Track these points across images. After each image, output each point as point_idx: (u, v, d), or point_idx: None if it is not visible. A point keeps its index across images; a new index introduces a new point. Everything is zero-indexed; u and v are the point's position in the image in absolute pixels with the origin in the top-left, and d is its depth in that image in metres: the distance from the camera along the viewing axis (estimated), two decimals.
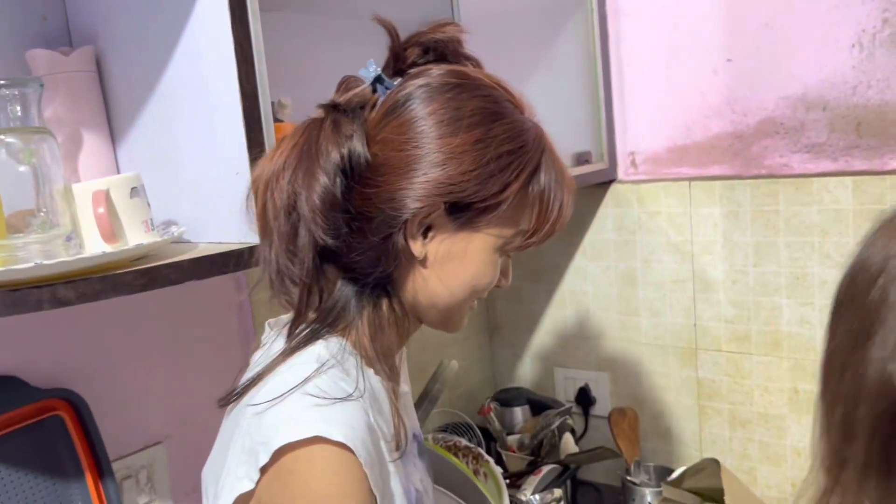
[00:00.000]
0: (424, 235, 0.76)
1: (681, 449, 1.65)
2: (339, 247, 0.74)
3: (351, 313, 0.77)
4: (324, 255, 0.75)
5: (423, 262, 0.77)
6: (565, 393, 1.78)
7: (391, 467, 0.76)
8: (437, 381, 1.45)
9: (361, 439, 0.69)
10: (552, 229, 0.80)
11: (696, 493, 1.46)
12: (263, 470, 0.68)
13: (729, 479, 1.39)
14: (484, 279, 0.79)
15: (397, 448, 0.75)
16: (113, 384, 1.10)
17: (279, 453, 0.67)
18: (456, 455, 1.33)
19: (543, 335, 1.81)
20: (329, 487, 0.67)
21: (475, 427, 1.61)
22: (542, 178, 0.77)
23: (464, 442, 1.39)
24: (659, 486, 1.49)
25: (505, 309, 1.86)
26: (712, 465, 1.42)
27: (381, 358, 0.77)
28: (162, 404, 1.16)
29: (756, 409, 1.54)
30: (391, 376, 0.80)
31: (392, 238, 0.74)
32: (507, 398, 1.72)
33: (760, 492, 1.55)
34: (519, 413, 1.69)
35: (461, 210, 0.75)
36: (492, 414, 1.60)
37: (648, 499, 1.50)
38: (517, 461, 1.52)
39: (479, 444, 1.56)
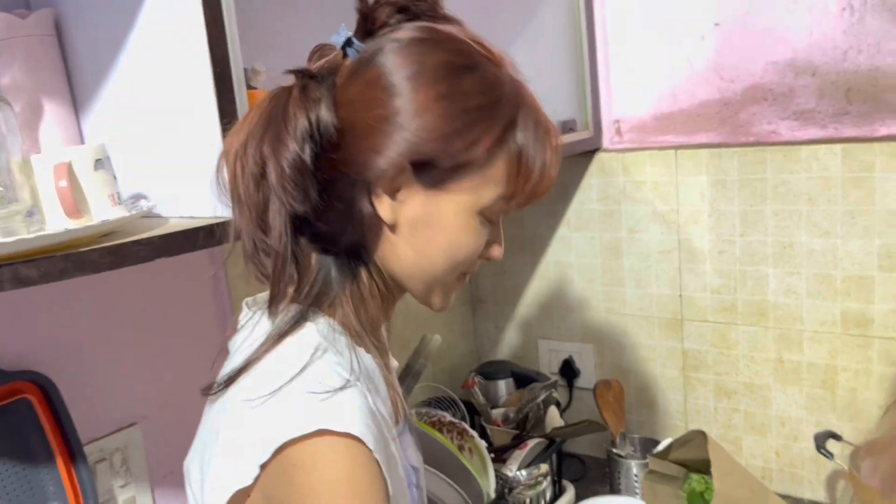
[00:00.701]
0: (393, 199, 0.72)
1: (666, 420, 1.64)
2: (309, 215, 0.70)
3: (333, 289, 0.74)
4: (296, 224, 0.71)
5: (393, 228, 0.73)
6: (549, 365, 1.76)
7: (391, 449, 0.73)
8: (420, 355, 1.42)
9: (367, 426, 0.65)
10: (534, 193, 0.74)
11: (682, 464, 1.46)
12: (264, 466, 0.64)
13: (715, 449, 1.38)
14: (462, 247, 0.74)
15: (396, 422, 0.72)
16: (83, 365, 1.06)
17: (281, 449, 0.63)
18: (440, 431, 1.31)
19: (527, 307, 1.79)
20: (340, 477, 0.64)
21: (459, 401, 1.59)
22: (519, 135, 0.72)
23: (448, 417, 1.36)
24: (644, 457, 1.48)
25: (488, 281, 1.83)
26: (699, 437, 1.41)
27: (368, 333, 0.74)
28: (136, 385, 1.12)
29: (741, 379, 1.53)
30: (381, 351, 0.77)
31: (359, 203, 0.71)
32: (490, 371, 1.70)
33: (745, 461, 1.55)
34: (503, 386, 1.67)
35: (429, 170, 0.71)
36: (476, 388, 1.58)
37: (634, 471, 1.49)
38: (502, 435, 1.50)
39: (464, 419, 1.54)
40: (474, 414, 1.61)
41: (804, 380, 1.46)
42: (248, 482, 0.65)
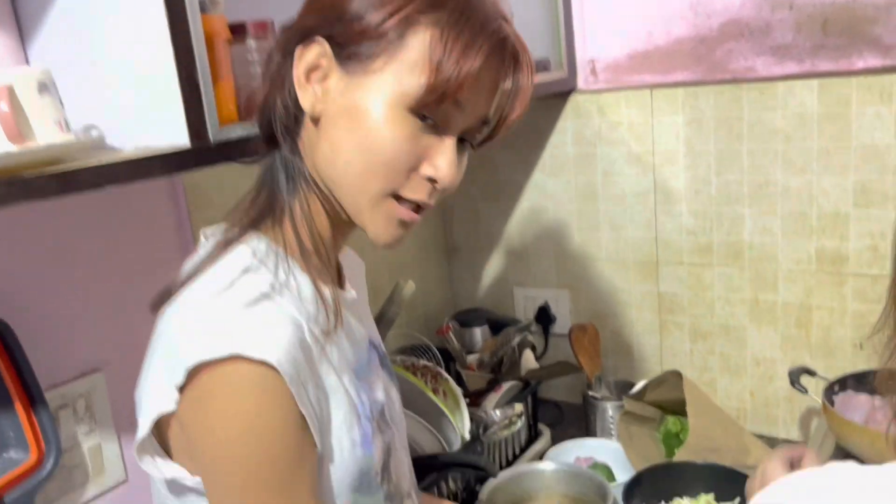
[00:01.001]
0: (314, 86, 0.70)
1: (642, 364, 1.63)
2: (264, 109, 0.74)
3: (275, 209, 0.73)
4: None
5: (316, 121, 0.71)
6: (525, 312, 1.75)
7: (332, 381, 0.71)
8: (393, 302, 1.40)
9: (288, 355, 0.64)
10: (454, 86, 0.66)
11: (657, 405, 1.46)
12: (181, 390, 0.64)
13: (690, 389, 1.38)
14: (381, 142, 0.67)
15: (327, 333, 0.71)
16: (41, 309, 1.02)
17: (195, 372, 0.62)
18: (414, 374, 1.29)
19: (502, 255, 1.77)
20: (247, 408, 0.63)
21: (433, 348, 1.57)
22: (445, 17, 0.67)
23: (422, 361, 1.35)
24: (620, 400, 1.47)
25: (463, 230, 1.81)
26: (674, 377, 1.41)
27: (311, 256, 0.73)
28: (99, 329, 1.09)
29: (717, 320, 1.53)
30: (333, 278, 0.74)
31: (287, 94, 0.71)
32: (465, 319, 1.68)
33: (720, 402, 1.55)
34: (478, 333, 1.65)
35: (344, 47, 0.68)
36: (450, 333, 1.56)
37: (610, 413, 1.49)
38: (477, 380, 1.49)
39: (438, 365, 1.52)
40: (449, 360, 1.59)
41: (779, 319, 1.46)
42: (171, 407, 0.64)
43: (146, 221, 1.14)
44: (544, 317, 1.71)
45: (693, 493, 1.23)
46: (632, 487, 1.23)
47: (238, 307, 0.65)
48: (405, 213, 0.71)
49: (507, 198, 1.72)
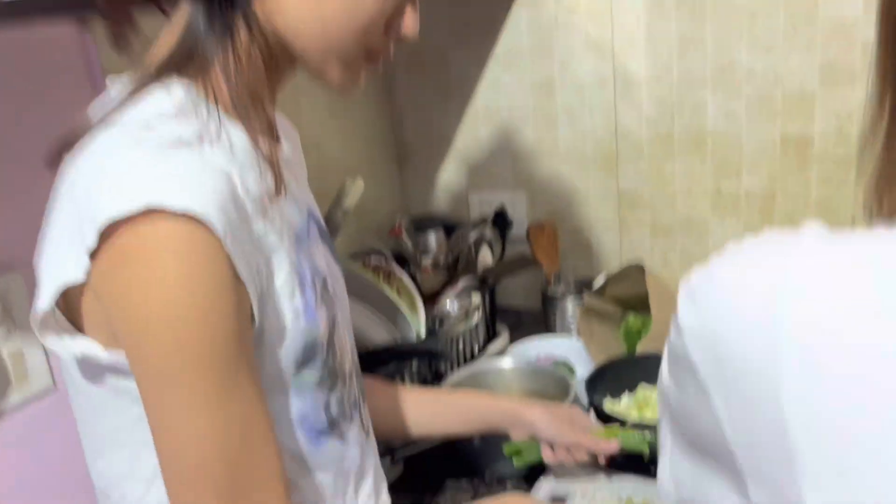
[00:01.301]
0: None
1: (601, 262, 1.58)
2: None
3: (204, 52, 0.62)
4: None
5: None
6: (481, 217, 1.67)
7: (271, 241, 0.63)
8: (341, 205, 1.31)
9: (219, 207, 0.55)
10: None
11: (618, 300, 1.41)
12: (94, 256, 0.54)
13: (654, 283, 1.34)
14: (366, 3, 0.64)
15: (273, 196, 0.62)
16: None
17: (109, 232, 0.53)
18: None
19: (456, 158, 1.68)
20: (173, 274, 0.54)
21: (386, 252, 1.49)
22: None
23: (373, 261, 1.27)
24: (580, 296, 1.42)
25: (414, 132, 1.71)
26: (636, 272, 1.36)
27: (245, 107, 0.63)
28: (10, 222, 0.98)
29: (678, 215, 1.48)
30: (266, 132, 0.65)
31: None
32: (420, 225, 1.60)
33: None
34: (433, 238, 1.57)
35: None
36: (403, 234, 1.48)
37: (570, 311, 1.44)
38: (433, 281, 1.42)
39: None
40: (403, 265, 1.52)
41: (742, 210, 1.42)
42: (79, 276, 0.55)
43: (61, 103, 1.02)
44: (501, 221, 1.64)
45: (656, 383, 1.20)
46: (594, 380, 1.19)
47: (155, 153, 0.56)
48: (374, 64, 0.70)
49: (460, 96, 1.62)
